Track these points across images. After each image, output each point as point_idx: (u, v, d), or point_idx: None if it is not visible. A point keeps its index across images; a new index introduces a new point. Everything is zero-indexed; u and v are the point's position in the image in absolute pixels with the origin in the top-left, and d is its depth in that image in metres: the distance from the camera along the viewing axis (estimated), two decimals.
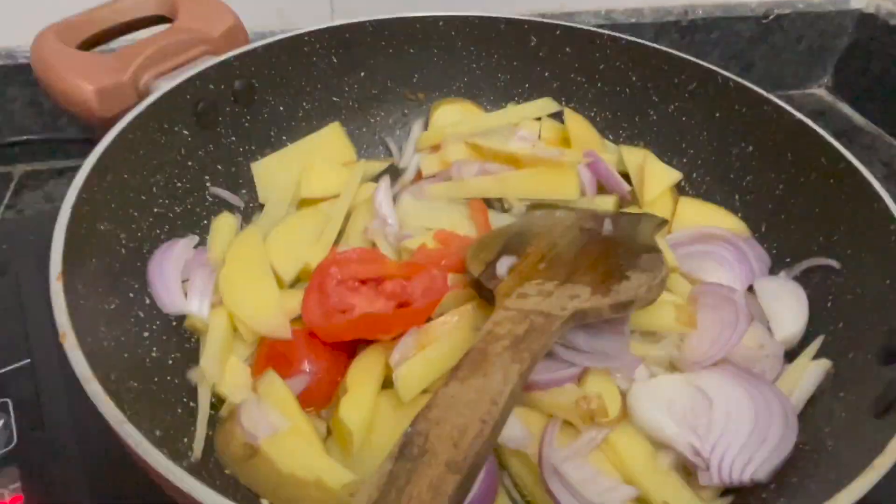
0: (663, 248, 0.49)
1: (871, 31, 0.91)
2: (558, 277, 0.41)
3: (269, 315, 0.44)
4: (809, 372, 0.41)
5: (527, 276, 0.42)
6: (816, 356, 0.43)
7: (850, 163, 0.45)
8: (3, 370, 0.48)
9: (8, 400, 0.46)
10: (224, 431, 0.39)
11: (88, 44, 0.54)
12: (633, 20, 0.86)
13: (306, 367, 0.42)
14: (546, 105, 0.63)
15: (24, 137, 0.77)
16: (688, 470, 0.39)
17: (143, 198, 0.46)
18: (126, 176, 0.44)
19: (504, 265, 0.43)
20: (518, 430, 0.39)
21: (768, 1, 0.90)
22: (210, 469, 0.37)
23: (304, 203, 0.56)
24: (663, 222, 0.52)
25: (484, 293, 0.42)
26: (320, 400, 0.42)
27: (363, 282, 0.46)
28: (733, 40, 0.91)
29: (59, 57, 0.50)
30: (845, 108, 0.97)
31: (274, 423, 0.38)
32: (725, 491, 0.38)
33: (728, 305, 0.44)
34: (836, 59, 0.97)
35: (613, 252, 0.45)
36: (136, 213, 0.45)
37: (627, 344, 0.42)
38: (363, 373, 0.41)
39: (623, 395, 0.41)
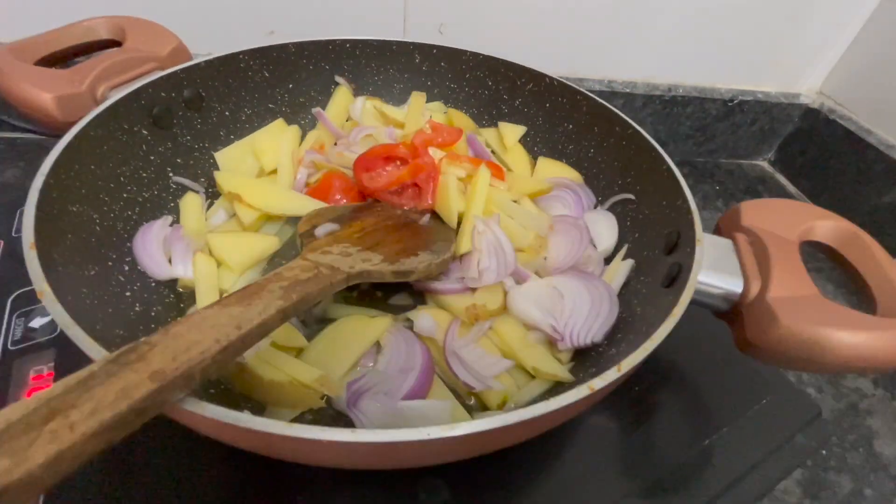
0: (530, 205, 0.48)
1: (812, 122, 0.82)
2: (362, 245, 0.37)
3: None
4: (621, 268, 0.42)
5: (338, 240, 0.37)
6: (624, 258, 0.44)
7: (635, 129, 0.46)
8: None
9: None
10: None
11: (44, 62, 0.44)
12: (627, 90, 0.79)
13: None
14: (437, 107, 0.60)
15: None
16: (550, 343, 0.39)
17: (112, 185, 0.38)
18: (93, 167, 0.36)
19: (324, 229, 0.38)
20: (429, 322, 0.37)
21: (734, 88, 0.81)
22: (213, 382, 0.32)
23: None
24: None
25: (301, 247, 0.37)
26: None
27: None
28: (703, 115, 0.83)
29: (16, 69, 0.40)
30: (782, 180, 0.89)
31: None
32: (576, 354, 0.38)
33: (575, 230, 0.44)
34: (780, 140, 0.88)
35: (417, 237, 0.41)
36: (106, 198, 0.37)
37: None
38: None
39: (504, 294, 0.40)
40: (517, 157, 0.55)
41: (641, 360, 0.25)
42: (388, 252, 0.37)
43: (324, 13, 0.66)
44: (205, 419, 0.21)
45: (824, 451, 0.46)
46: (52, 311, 0.23)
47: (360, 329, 0.37)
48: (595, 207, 0.50)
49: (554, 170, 0.54)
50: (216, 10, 0.63)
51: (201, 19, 0.63)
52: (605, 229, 0.47)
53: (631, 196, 0.47)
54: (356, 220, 0.40)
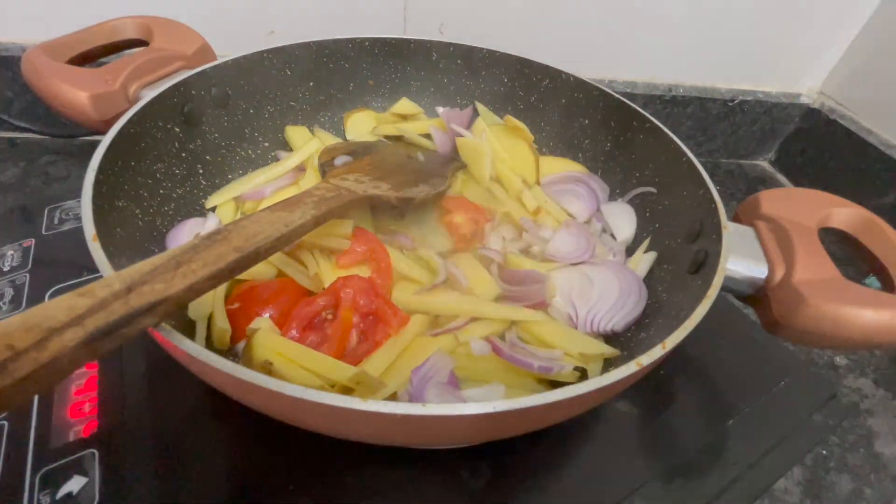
0: (539, 193, 0.51)
1: (813, 122, 0.82)
2: (373, 175, 0.43)
3: None
4: (644, 260, 0.44)
5: (353, 170, 0.43)
6: (646, 249, 0.45)
7: (653, 122, 0.47)
8: None
9: None
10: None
11: (74, 61, 0.44)
12: (627, 90, 0.79)
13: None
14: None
15: None
16: None
17: (150, 182, 0.39)
18: (133, 163, 0.37)
19: (341, 160, 0.45)
20: (482, 344, 0.37)
21: (734, 88, 0.81)
22: None
23: None
24: (462, 165, 0.55)
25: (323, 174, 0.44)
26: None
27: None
28: (703, 115, 0.83)
29: (51, 69, 0.40)
30: (783, 180, 0.89)
31: None
32: (606, 340, 0.40)
33: (583, 236, 0.46)
34: (781, 140, 0.88)
35: (418, 172, 0.48)
36: (146, 194, 0.38)
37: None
38: None
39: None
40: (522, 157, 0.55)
41: (683, 337, 0.27)
42: (394, 182, 0.43)
43: (324, 13, 0.67)
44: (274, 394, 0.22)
45: (824, 451, 0.47)
46: None
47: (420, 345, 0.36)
48: (616, 199, 0.52)
49: (558, 166, 0.55)
50: (216, 10, 0.64)
51: (201, 19, 0.63)
52: (624, 221, 0.48)
53: (652, 189, 0.48)
54: (366, 155, 0.47)
